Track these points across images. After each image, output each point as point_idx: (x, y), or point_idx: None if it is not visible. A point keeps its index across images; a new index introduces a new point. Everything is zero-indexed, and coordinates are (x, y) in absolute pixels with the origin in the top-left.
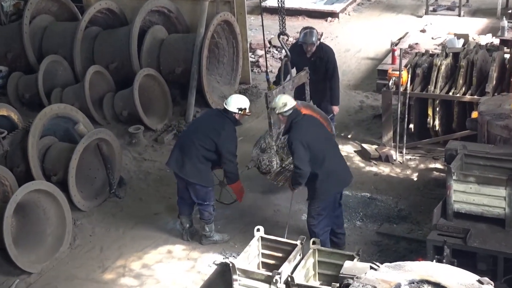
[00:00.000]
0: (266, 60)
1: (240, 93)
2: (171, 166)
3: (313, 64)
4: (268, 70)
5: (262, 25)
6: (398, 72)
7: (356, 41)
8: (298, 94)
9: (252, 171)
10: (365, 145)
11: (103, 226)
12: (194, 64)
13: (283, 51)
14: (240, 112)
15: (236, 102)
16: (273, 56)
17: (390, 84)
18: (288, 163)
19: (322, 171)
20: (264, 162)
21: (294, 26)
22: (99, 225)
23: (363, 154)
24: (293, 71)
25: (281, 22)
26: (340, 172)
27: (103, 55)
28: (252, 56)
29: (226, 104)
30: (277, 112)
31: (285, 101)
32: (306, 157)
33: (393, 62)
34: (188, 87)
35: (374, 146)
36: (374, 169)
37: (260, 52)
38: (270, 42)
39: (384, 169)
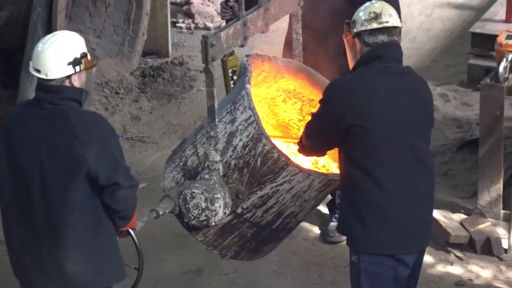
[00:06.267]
0: None
1: (148, 77)
2: (30, 278)
3: None
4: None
5: None
6: None
7: None
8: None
9: (163, 221)
10: (438, 213)
11: None
12: (37, 5)
13: None
14: (78, 69)
15: (60, 53)
16: None
17: (500, 69)
18: (250, 204)
19: (378, 188)
20: (195, 202)
21: None
22: None
23: (433, 234)
24: None
25: None
26: (414, 218)
27: None
28: None
29: (39, 72)
30: (355, 30)
31: (379, 10)
32: (323, 137)
33: (508, 19)
34: (19, 60)
35: (459, 216)
36: (456, 269)
37: None
38: None
39: (481, 272)
